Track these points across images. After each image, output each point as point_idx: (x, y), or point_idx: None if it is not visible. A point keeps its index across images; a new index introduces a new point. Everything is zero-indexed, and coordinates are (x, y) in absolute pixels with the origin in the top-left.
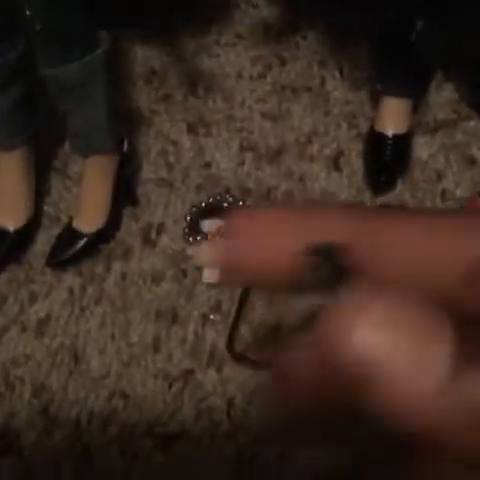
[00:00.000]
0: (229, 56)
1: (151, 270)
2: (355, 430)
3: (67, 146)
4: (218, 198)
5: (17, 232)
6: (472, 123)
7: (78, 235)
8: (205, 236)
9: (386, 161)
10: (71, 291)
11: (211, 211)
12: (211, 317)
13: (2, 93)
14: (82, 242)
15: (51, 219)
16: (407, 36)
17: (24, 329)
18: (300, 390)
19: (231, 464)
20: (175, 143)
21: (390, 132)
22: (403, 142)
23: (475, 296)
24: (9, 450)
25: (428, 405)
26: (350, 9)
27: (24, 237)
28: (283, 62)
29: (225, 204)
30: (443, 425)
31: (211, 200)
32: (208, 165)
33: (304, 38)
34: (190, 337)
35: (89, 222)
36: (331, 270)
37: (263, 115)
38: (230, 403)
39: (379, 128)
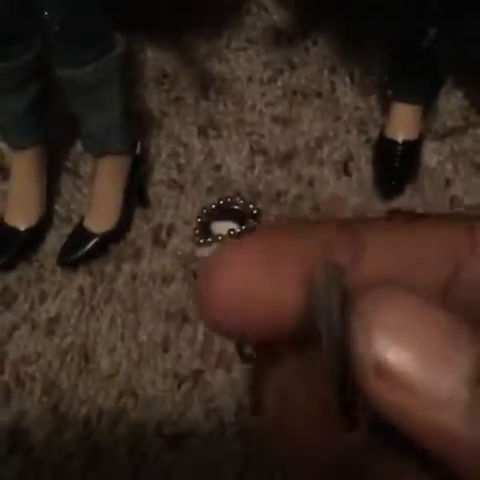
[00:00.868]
0: (240, 60)
1: (161, 271)
2: None
3: (78, 146)
4: (229, 200)
5: (28, 231)
6: None
7: (89, 235)
8: (215, 238)
9: (396, 167)
10: (81, 290)
11: (222, 213)
12: None
13: (18, 94)
14: (93, 242)
15: (62, 219)
16: (419, 43)
17: (34, 327)
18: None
19: (239, 465)
20: (186, 145)
21: (400, 138)
22: (413, 148)
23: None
24: (18, 448)
25: (452, 433)
26: (361, 15)
27: (35, 236)
28: (293, 67)
29: (236, 207)
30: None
31: (221, 202)
32: (218, 168)
33: (315, 43)
34: (199, 338)
35: (100, 222)
36: (340, 294)
37: (273, 119)
38: (239, 404)
39: (389, 134)
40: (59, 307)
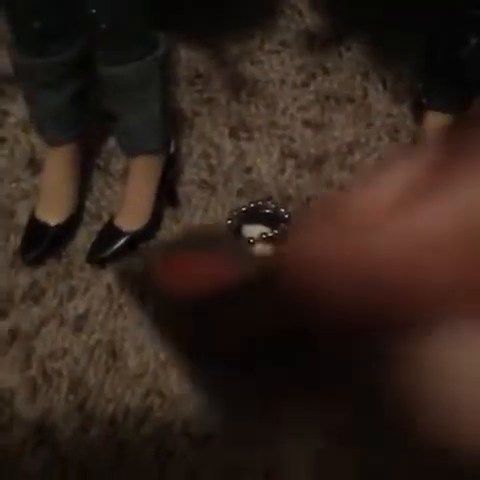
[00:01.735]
0: (272, 63)
1: None
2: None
3: (109, 144)
4: (260, 204)
5: (58, 227)
6: None
7: (119, 233)
8: (246, 241)
9: None
10: (109, 288)
11: (253, 217)
12: None
13: (57, 89)
14: (123, 240)
15: (92, 216)
16: (458, 52)
17: (62, 323)
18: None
19: (265, 466)
20: (217, 146)
21: None
22: None
23: None
24: (44, 444)
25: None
26: (394, 21)
27: (65, 232)
28: (326, 72)
29: (267, 210)
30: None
31: (252, 205)
32: (249, 170)
33: (348, 49)
34: None
35: (131, 221)
36: None
37: (305, 123)
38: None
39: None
40: (87, 304)
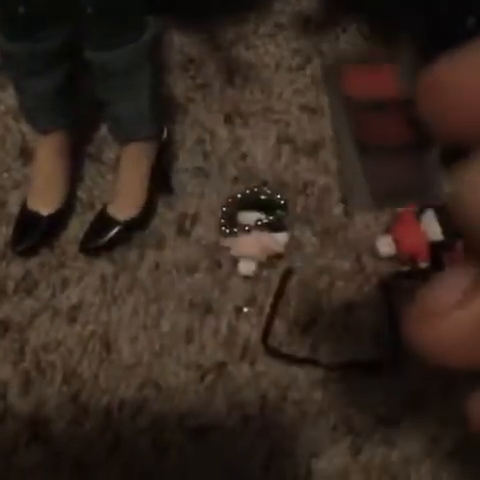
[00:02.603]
0: (268, 47)
1: (185, 260)
2: None
3: (101, 132)
4: (255, 190)
5: (50, 217)
6: None
7: (112, 222)
8: (242, 228)
9: None
10: (103, 278)
11: (248, 203)
12: (245, 310)
13: (45, 77)
14: (116, 229)
15: (84, 205)
16: (456, 33)
17: (56, 314)
18: None
19: (262, 460)
20: (211, 133)
21: None
22: None
23: None
24: (38, 437)
25: None
26: (392, 2)
27: (57, 222)
28: (322, 55)
29: (263, 197)
30: None
31: (248, 192)
32: (244, 157)
33: (344, 31)
34: (223, 329)
35: (124, 209)
36: None
37: (301, 108)
38: (263, 398)
39: None
40: (81, 295)
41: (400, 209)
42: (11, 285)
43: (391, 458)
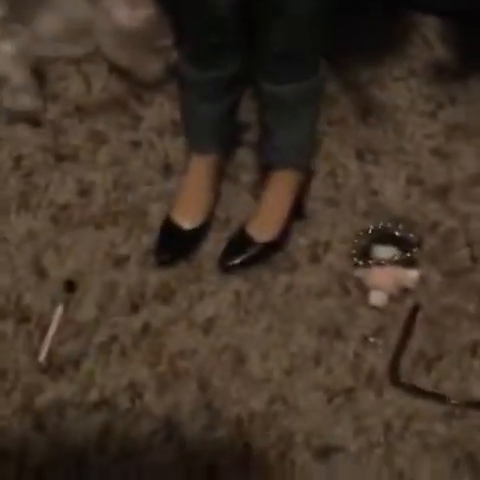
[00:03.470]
0: (401, 90)
1: (316, 285)
2: None
3: (239, 154)
4: (389, 226)
5: (192, 232)
6: None
7: (251, 242)
8: (376, 261)
9: None
10: (238, 295)
11: (381, 237)
12: (371, 340)
13: (215, 102)
14: (254, 249)
15: (221, 222)
16: None
17: (191, 324)
18: None
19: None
20: (343, 166)
21: None
22: None
23: None
24: (172, 439)
25: None
26: None
27: (197, 237)
28: (454, 102)
29: (397, 233)
30: None
31: (381, 226)
32: (375, 193)
33: (478, 81)
34: (350, 355)
35: (264, 232)
36: None
37: (432, 151)
38: (387, 426)
39: None
40: (216, 308)
41: None
42: (150, 292)
43: None
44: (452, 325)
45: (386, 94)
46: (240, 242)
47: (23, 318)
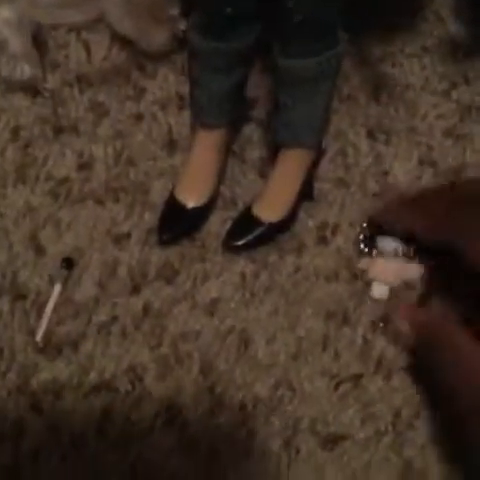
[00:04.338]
0: (413, 67)
1: (324, 268)
2: None
3: (246, 131)
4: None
5: (195, 210)
6: None
7: (257, 222)
8: (381, 253)
9: None
10: (243, 276)
11: (389, 229)
12: (381, 325)
13: (225, 75)
14: (260, 230)
15: (226, 201)
16: None
17: (195, 306)
18: None
19: (394, 475)
20: (354, 145)
21: None
22: None
23: None
24: (174, 422)
25: None
26: None
27: (201, 216)
28: (468, 82)
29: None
30: None
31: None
32: (386, 173)
33: None
34: (358, 341)
35: (271, 212)
36: None
37: (445, 132)
38: (396, 414)
39: None
40: (220, 289)
41: None
42: (152, 271)
43: None
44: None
45: (398, 72)
46: (246, 222)
47: (19, 296)
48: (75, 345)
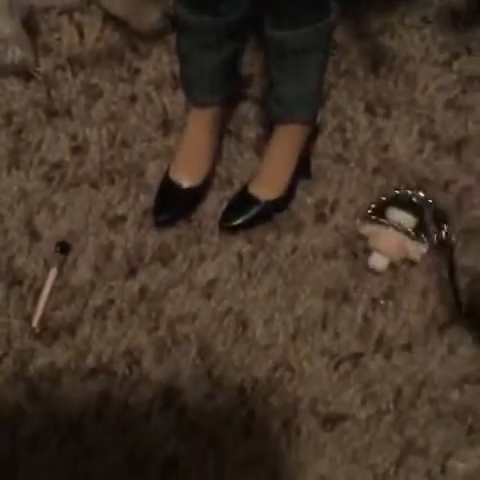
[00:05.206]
0: (413, 38)
1: (322, 246)
2: None
3: (242, 110)
4: (409, 191)
5: (191, 190)
6: None
7: (254, 201)
8: (386, 223)
9: None
10: (240, 256)
11: (401, 202)
12: (381, 302)
13: (215, 51)
14: (257, 209)
15: (222, 181)
16: None
17: (191, 288)
18: None
19: (397, 454)
20: (352, 120)
21: None
22: None
23: None
24: (172, 406)
25: None
26: None
27: (197, 196)
28: (470, 52)
29: (414, 199)
30: None
31: (409, 192)
32: (385, 148)
33: None
34: (359, 319)
35: (267, 190)
36: None
37: (446, 104)
38: (398, 393)
39: None
40: (217, 270)
41: None
42: (148, 254)
43: None
44: (466, 287)
45: (398, 43)
46: (242, 201)
47: (15, 281)
48: (72, 330)
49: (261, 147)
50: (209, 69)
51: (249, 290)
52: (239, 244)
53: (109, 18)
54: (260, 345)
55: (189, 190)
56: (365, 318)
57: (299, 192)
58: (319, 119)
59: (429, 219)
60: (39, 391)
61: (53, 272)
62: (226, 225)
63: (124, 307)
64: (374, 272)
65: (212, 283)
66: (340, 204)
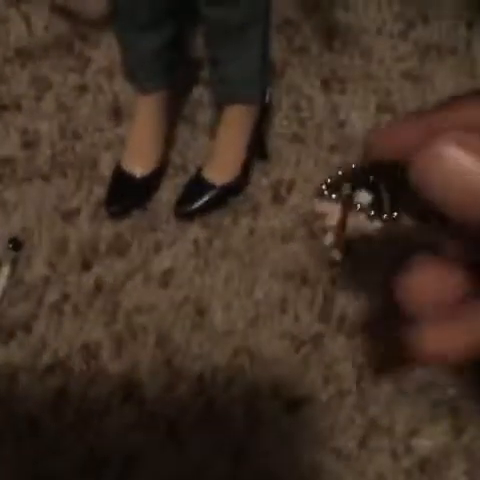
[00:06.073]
0: (368, 10)
1: (280, 228)
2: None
3: (195, 94)
4: (366, 167)
5: (144, 179)
6: None
7: (208, 186)
8: (341, 199)
9: None
10: (196, 243)
11: (354, 178)
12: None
13: (154, 32)
14: (211, 193)
15: (176, 168)
16: None
17: (148, 278)
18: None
19: (360, 435)
20: (308, 98)
21: None
22: None
23: None
24: (131, 399)
25: None
26: None
27: (151, 184)
28: (426, 21)
29: (372, 177)
30: None
31: (366, 167)
32: (342, 124)
33: None
34: (318, 300)
35: (221, 173)
36: None
37: (403, 75)
38: (360, 372)
39: None
40: (173, 259)
41: None
42: (103, 246)
43: None
44: None
45: (352, 15)
46: (196, 187)
47: None
48: (27, 327)
49: (214, 131)
50: (149, 53)
51: (206, 277)
52: (195, 230)
53: (56, 8)
54: (219, 332)
55: (142, 179)
56: (326, 298)
57: (255, 174)
58: (268, 98)
59: (385, 196)
60: None
61: (6, 270)
62: (181, 212)
63: (80, 301)
64: (331, 251)
65: (169, 272)
66: (297, 184)
